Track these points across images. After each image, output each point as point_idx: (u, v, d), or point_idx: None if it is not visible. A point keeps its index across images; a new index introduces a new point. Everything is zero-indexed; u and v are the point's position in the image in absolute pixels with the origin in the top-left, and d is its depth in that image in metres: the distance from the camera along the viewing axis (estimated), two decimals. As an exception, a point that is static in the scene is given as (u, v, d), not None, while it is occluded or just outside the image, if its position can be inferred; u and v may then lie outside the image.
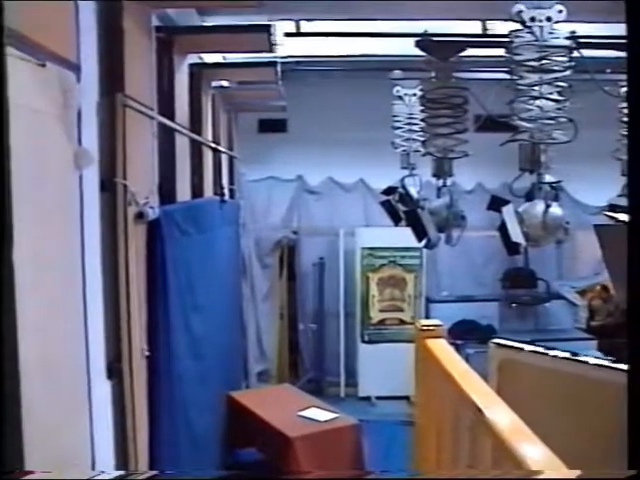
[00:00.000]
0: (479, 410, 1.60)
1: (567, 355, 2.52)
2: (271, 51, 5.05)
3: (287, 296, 8.81)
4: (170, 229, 4.13)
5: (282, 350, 8.79)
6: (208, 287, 5.27)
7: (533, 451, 1.36)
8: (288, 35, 6.23)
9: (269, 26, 4.59)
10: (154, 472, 3.49)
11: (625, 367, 2.51)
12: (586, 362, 2.48)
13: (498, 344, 2.75)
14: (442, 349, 2.12)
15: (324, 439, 5.38)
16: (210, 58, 6.15)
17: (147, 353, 3.67)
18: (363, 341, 8.28)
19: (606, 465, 2.32)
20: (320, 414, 5.60)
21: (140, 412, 3.50)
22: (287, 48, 6.44)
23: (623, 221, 2.76)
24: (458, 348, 6.94)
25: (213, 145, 6.44)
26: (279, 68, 6.15)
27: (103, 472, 2.78)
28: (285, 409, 5.84)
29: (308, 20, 6.25)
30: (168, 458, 3.94)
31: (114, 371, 3.19)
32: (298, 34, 6.30)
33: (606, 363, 2.58)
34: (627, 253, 1.98)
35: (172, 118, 4.71)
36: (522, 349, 2.63)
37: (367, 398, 8.09)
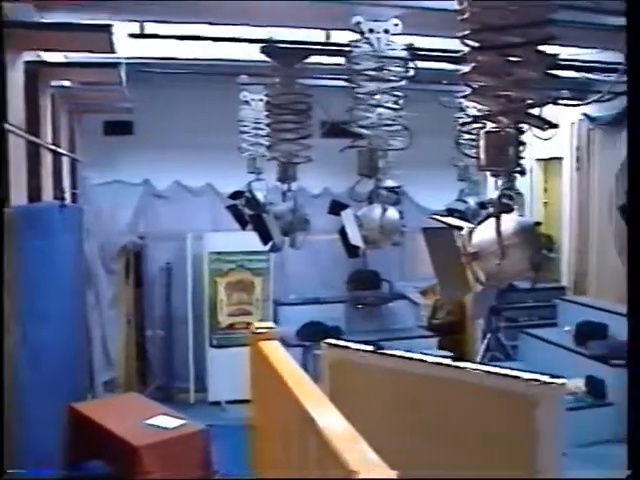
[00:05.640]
0: (306, 411, 1.64)
1: (399, 353, 2.64)
2: (112, 52, 4.92)
3: (134, 302, 8.60)
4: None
5: (129, 358, 8.57)
6: (49, 295, 5.05)
7: (355, 452, 1.39)
8: (132, 36, 6.10)
9: (109, 26, 4.48)
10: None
11: (462, 364, 2.67)
12: (419, 360, 2.60)
13: (330, 344, 2.82)
14: (275, 352, 2.16)
15: (171, 446, 5.30)
16: (51, 57, 5.89)
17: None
18: (212, 346, 8.25)
19: (443, 462, 2.45)
20: (167, 421, 5.53)
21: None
22: (133, 49, 6.30)
23: (448, 224, 2.93)
24: (306, 350, 7.09)
25: (53, 147, 6.18)
26: (123, 69, 6.00)
27: None
28: (131, 418, 5.70)
29: (154, 22, 6.14)
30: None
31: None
32: (142, 35, 6.18)
33: (440, 360, 2.72)
34: (630, 253, 2.02)
35: (3, 118, 4.46)
36: (354, 348, 2.73)
37: (217, 403, 8.08)
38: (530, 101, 2.81)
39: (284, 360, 2.07)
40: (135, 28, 6.13)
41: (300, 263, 8.42)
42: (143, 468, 5.04)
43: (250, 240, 6.09)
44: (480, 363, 7.31)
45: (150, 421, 5.52)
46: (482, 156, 2.75)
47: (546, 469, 2.28)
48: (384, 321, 8.67)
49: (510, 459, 2.35)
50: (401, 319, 8.78)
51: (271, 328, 2.37)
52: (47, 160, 6.03)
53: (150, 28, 6.20)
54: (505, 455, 2.35)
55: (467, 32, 2.86)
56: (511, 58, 2.79)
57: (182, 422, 5.53)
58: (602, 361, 7.10)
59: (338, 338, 5.57)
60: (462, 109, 5.60)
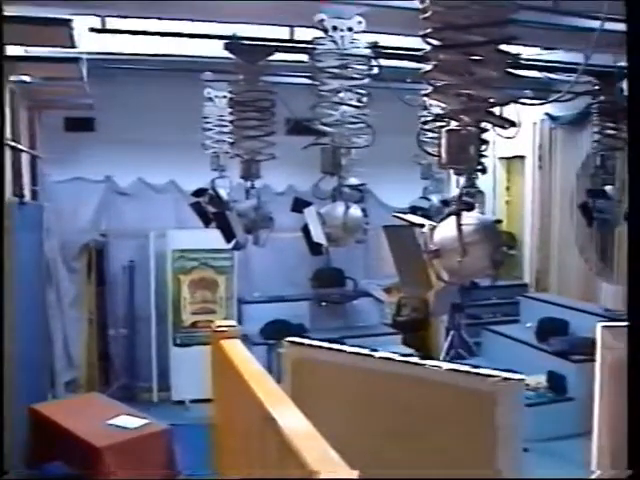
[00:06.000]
0: (266, 410, 1.63)
1: (361, 351, 2.64)
2: (72, 46, 4.85)
3: (96, 301, 8.48)
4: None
5: (91, 357, 8.46)
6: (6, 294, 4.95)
7: (316, 451, 1.38)
8: (93, 31, 6.01)
9: (69, 20, 4.41)
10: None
11: (423, 361, 2.68)
12: (380, 357, 2.61)
13: (292, 342, 2.82)
14: (235, 350, 2.15)
15: (134, 446, 5.27)
16: (10, 51, 5.77)
17: None
18: (175, 344, 8.18)
19: (404, 460, 2.46)
20: (130, 421, 5.48)
21: None
22: (94, 44, 6.21)
23: (410, 222, 2.94)
24: (270, 348, 7.07)
25: (12, 144, 6.07)
26: (84, 64, 5.91)
27: None
28: (93, 418, 5.64)
29: (116, 17, 6.06)
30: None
31: None
32: (104, 30, 6.09)
33: (401, 357, 2.72)
34: (630, 254, 2.04)
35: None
36: (315, 346, 2.72)
37: (181, 402, 8.01)
38: (491, 100, 2.83)
39: (245, 358, 2.06)
40: (96, 23, 6.05)
41: (264, 261, 8.40)
42: (105, 469, 5.00)
43: (214, 238, 6.04)
44: (444, 360, 7.38)
45: (112, 421, 5.48)
46: (443, 154, 2.77)
47: (506, 465, 2.30)
48: (348, 319, 8.70)
49: (471, 455, 2.37)
50: (365, 316, 8.81)
51: (232, 326, 2.36)
52: (6, 157, 5.92)
53: (112, 23, 6.13)
54: (466, 452, 2.37)
55: (429, 30, 2.87)
56: (472, 57, 2.81)
57: (145, 422, 5.49)
58: (563, 357, 7.21)
59: (302, 336, 5.56)
60: (426, 107, 5.62)
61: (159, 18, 5.94)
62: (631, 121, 2.32)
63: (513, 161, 9.64)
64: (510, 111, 3.16)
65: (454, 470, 2.33)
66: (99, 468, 5.00)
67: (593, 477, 3.01)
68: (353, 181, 4.61)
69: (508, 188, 9.94)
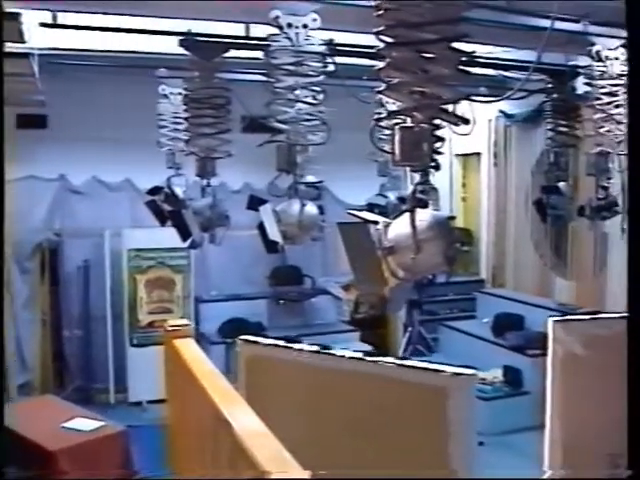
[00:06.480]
0: (218, 410, 1.62)
1: (314, 348, 2.64)
2: (22, 41, 4.74)
3: (50, 302, 8.33)
4: None
5: (45, 359, 8.30)
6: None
7: (267, 451, 1.38)
8: (44, 26, 5.89)
9: (18, 14, 4.31)
10: None
11: (376, 358, 2.68)
12: (334, 354, 2.61)
13: (246, 340, 2.80)
14: (188, 349, 2.13)
15: (89, 449, 5.20)
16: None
17: None
18: (132, 345, 8.08)
19: (358, 457, 2.46)
20: (85, 424, 5.40)
21: None
22: (46, 40, 6.09)
23: (364, 219, 2.95)
24: (228, 347, 7.03)
25: (-40, 141, 5.91)
26: (35, 60, 5.79)
27: None
28: (47, 422, 5.54)
29: (69, 12, 5.95)
30: None
31: None
32: (55, 25, 5.98)
33: (355, 354, 2.73)
34: (630, 253, 2.02)
35: None
36: (269, 344, 2.71)
37: (138, 403, 7.92)
38: (444, 97, 2.85)
39: (197, 358, 2.05)
40: (48, 17, 5.93)
41: (221, 259, 8.35)
42: (61, 473, 4.92)
43: (170, 236, 5.98)
44: (402, 356, 7.44)
45: (67, 424, 5.39)
46: (397, 151, 2.78)
47: (459, 458, 2.32)
48: (307, 316, 8.70)
49: (424, 450, 2.38)
50: (324, 314, 8.82)
51: (185, 325, 2.34)
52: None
53: (64, 18, 6.01)
54: (420, 446, 2.39)
55: (382, 28, 2.87)
56: (425, 55, 2.82)
57: (100, 424, 5.42)
58: (519, 351, 7.32)
59: (260, 334, 5.53)
60: (382, 105, 5.64)
61: (114, 14, 5.87)
62: (631, 121, 2.36)
63: (469, 158, 9.75)
64: (465, 108, 3.18)
65: (408, 464, 2.35)
66: (54, 472, 4.92)
67: (545, 477, 3.06)
68: (310, 179, 4.60)
69: (464, 185, 10.05)
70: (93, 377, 8.26)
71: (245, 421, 1.58)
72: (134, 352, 8.04)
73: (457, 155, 9.57)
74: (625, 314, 2.46)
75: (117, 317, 8.14)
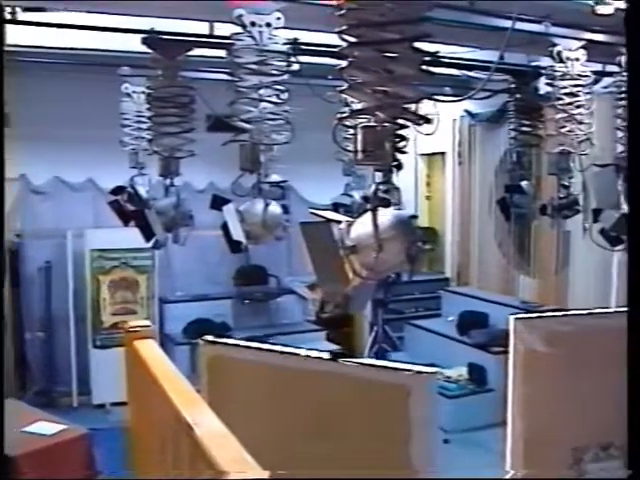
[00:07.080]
0: (178, 411, 1.60)
1: (277, 348, 2.63)
2: (-21, 38, 4.65)
3: (11, 303, 8.19)
4: None
5: (6, 362, 8.15)
6: None
7: (227, 451, 1.37)
8: (3, 22, 5.79)
9: (-25, 11, 4.23)
10: None
11: (339, 358, 2.68)
12: (296, 354, 2.60)
13: (208, 341, 2.79)
14: (149, 350, 2.11)
15: (51, 453, 5.11)
16: None
17: None
18: (95, 346, 7.99)
19: (321, 457, 2.46)
20: (46, 427, 5.31)
21: None
22: (6, 37, 5.97)
23: (327, 218, 2.95)
24: (193, 348, 6.98)
25: None
26: (-6, 58, 5.68)
27: None
28: (8, 427, 5.44)
29: (29, 10, 5.86)
30: None
31: None
32: (15, 22, 5.88)
33: (317, 354, 2.71)
34: (630, 253, 2.01)
35: None
36: (231, 344, 2.70)
37: (102, 405, 7.84)
38: (406, 97, 2.86)
39: (158, 359, 2.03)
40: (6, 14, 5.83)
41: (186, 259, 8.30)
42: (21, 478, 4.84)
43: (133, 237, 5.91)
44: (368, 355, 7.46)
45: (28, 428, 5.29)
46: (359, 150, 2.78)
47: (420, 456, 2.33)
48: (272, 316, 8.69)
49: (387, 449, 2.39)
50: (289, 314, 8.83)
51: (146, 326, 2.31)
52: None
53: (24, 15, 5.91)
54: (382, 445, 2.39)
55: (344, 27, 2.87)
56: (387, 54, 2.83)
57: (62, 427, 5.34)
58: (483, 349, 7.39)
59: (226, 335, 5.51)
60: (347, 104, 5.65)
61: (75, 10, 5.79)
62: (631, 121, 2.37)
63: (434, 157, 9.82)
64: (429, 108, 3.19)
65: (370, 463, 2.35)
66: (15, 477, 4.84)
67: (507, 477, 3.09)
68: (274, 178, 4.58)
69: (429, 184, 10.12)
70: (56, 380, 8.15)
71: (205, 422, 1.57)
72: (97, 354, 7.95)
73: (422, 154, 9.63)
74: (622, 309, 2.49)
75: (80, 319, 8.04)
